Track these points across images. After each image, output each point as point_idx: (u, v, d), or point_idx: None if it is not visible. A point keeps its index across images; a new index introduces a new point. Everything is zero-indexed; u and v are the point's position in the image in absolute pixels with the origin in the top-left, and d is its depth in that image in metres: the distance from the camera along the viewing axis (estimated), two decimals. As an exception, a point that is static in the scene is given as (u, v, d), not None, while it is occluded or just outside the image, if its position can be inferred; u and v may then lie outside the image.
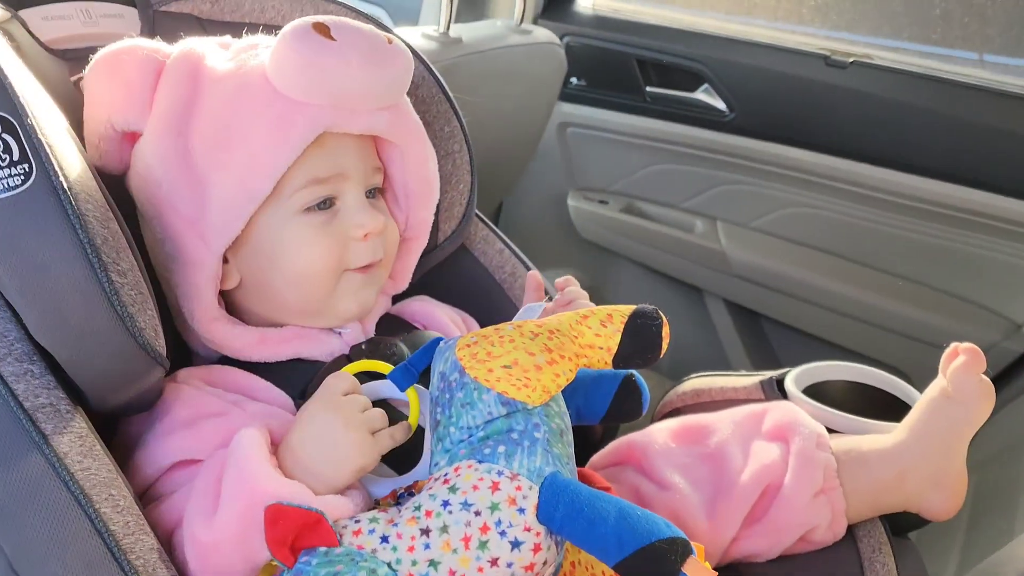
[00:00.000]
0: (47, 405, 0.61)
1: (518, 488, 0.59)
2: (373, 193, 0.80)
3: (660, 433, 0.85)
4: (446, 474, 0.61)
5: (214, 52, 0.77)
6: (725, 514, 0.77)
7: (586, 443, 0.93)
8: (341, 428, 0.65)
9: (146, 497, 0.69)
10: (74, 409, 0.63)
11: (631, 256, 1.96)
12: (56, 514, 0.58)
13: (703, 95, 1.81)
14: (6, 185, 0.58)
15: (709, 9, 1.96)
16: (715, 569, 0.79)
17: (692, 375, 1.03)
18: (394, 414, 0.74)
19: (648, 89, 1.87)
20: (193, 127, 0.73)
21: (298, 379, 0.75)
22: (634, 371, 0.74)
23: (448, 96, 0.96)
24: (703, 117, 1.81)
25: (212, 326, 0.76)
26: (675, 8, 1.97)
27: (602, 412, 0.74)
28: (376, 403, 0.71)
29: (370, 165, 0.78)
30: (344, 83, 0.71)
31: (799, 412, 0.83)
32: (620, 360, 0.66)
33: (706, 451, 0.82)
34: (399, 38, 0.92)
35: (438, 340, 0.70)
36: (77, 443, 0.62)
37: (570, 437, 0.66)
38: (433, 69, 0.96)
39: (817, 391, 0.92)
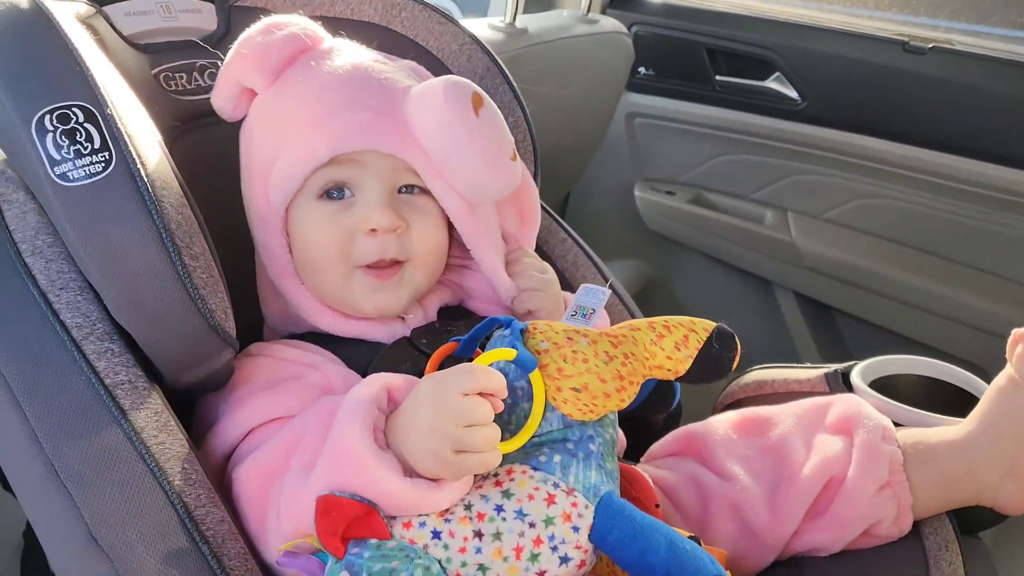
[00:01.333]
0: (126, 382, 0.65)
1: (574, 505, 0.60)
2: (412, 189, 0.78)
3: (721, 424, 0.85)
4: (497, 475, 0.61)
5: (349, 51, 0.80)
6: (786, 507, 0.76)
7: (646, 432, 0.93)
8: (425, 430, 0.59)
9: (230, 462, 0.71)
10: (151, 386, 0.66)
11: (699, 248, 1.94)
12: (132, 485, 0.61)
13: (774, 83, 1.78)
14: (87, 172, 0.61)
15: (781, -5, 1.92)
16: (776, 563, 0.79)
17: (755, 367, 1.02)
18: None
19: (718, 78, 1.84)
20: (290, 101, 0.76)
21: (360, 358, 0.76)
22: None
23: (512, 86, 0.97)
24: (774, 106, 1.78)
25: (285, 282, 0.79)
26: (746, -5, 1.94)
27: (633, 406, 0.73)
28: None
29: (400, 165, 0.76)
30: (451, 152, 0.74)
31: (864, 405, 0.81)
32: (682, 380, 0.66)
33: (768, 443, 0.81)
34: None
35: (494, 321, 0.69)
36: (153, 419, 0.65)
37: (616, 446, 0.67)
38: (498, 59, 0.97)
39: (885, 385, 0.89)
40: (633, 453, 0.89)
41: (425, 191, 0.79)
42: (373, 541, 0.56)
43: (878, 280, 1.70)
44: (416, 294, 0.80)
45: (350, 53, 0.80)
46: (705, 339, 0.65)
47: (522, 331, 0.67)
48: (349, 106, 0.74)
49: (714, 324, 0.67)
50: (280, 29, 0.78)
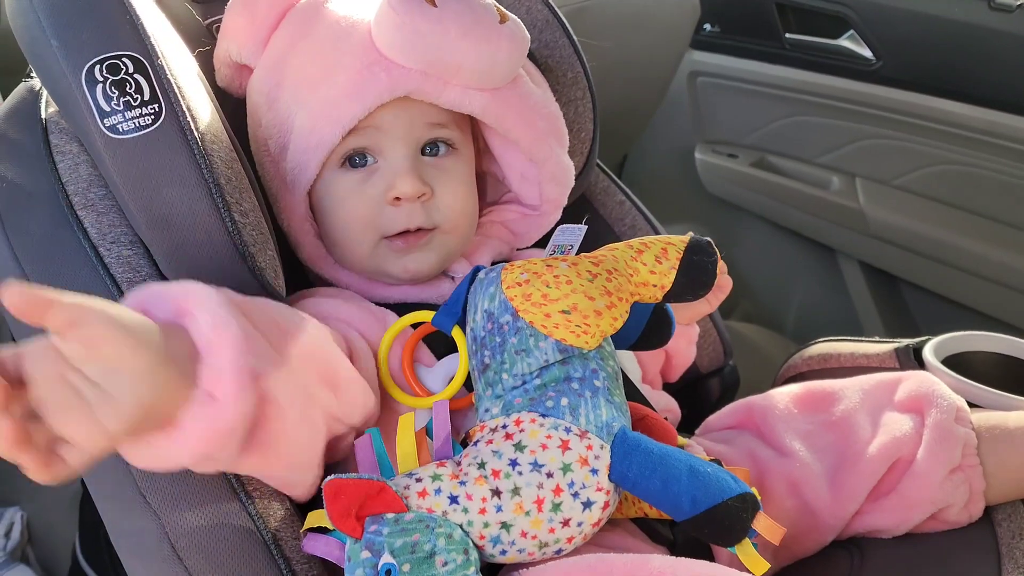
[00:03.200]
0: (175, 339, 0.64)
1: (589, 447, 0.58)
2: (436, 148, 0.75)
3: (782, 397, 0.81)
4: (506, 426, 0.60)
5: None
6: (849, 486, 0.73)
7: (702, 404, 0.90)
8: None
9: None
10: (199, 343, 0.65)
11: (760, 213, 1.88)
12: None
13: (847, 42, 1.69)
14: (137, 124, 0.60)
15: (859, -52, 1.82)
16: (837, 542, 0.76)
17: (820, 339, 0.98)
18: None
19: (787, 36, 1.77)
20: (290, 65, 0.73)
21: None
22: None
23: (573, 41, 0.94)
24: (846, 66, 1.69)
25: (320, 263, 0.77)
26: (821, -52, 1.84)
27: (632, 340, 0.71)
28: None
29: (421, 121, 0.74)
30: (436, 52, 0.69)
31: (936, 383, 0.77)
32: (671, 296, 0.66)
33: (831, 419, 0.77)
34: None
35: (477, 269, 0.68)
36: (202, 374, 0.64)
37: (621, 377, 0.66)
38: (558, 12, 0.94)
39: (959, 363, 0.85)
40: (688, 425, 0.86)
41: (452, 146, 0.76)
42: (390, 516, 0.55)
43: (951, 251, 1.63)
44: (448, 256, 0.78)
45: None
46: (683, 249, 0.66)
47: (500, 270, 0.66)
48: (358, 59, 0.70)
49: (689, 235, 0.67)
50: None
